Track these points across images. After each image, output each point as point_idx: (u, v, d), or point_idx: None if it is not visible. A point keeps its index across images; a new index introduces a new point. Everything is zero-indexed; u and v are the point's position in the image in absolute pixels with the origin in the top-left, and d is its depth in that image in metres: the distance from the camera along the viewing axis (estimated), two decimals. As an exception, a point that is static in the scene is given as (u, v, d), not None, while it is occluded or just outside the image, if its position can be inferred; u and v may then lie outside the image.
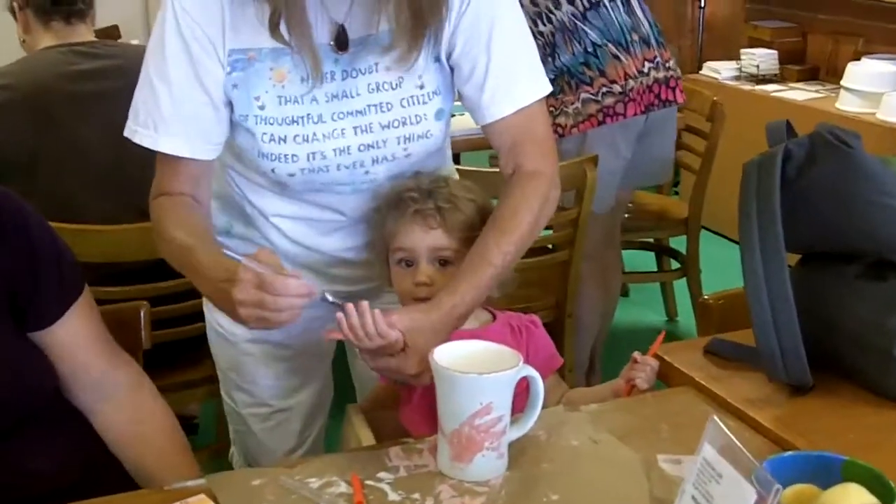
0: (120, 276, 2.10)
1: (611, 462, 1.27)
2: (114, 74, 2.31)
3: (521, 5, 1.55)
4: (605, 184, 2.68)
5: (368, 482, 1.22)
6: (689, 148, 3.53)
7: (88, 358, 1.41)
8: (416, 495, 1.20)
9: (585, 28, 2.73)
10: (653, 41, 2.82)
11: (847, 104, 4.14)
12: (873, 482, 1.03)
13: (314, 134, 1.43)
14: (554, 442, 1.32)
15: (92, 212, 2.19)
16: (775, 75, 4.71)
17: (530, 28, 1.56)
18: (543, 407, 1.28)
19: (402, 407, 1.48)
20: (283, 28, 1.36)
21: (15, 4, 2.43)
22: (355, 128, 1.45)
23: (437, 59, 1.47)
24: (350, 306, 1.30)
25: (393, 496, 1.19)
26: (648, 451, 1.28)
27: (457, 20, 1.44)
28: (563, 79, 2.77)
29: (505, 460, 1.25)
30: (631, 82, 2.75)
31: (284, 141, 1.43)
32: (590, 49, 2.74)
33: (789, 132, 1.45)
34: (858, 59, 4.25)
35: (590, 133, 2.76)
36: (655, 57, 2.80)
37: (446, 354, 1.24)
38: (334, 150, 1.44)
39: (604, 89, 2.74)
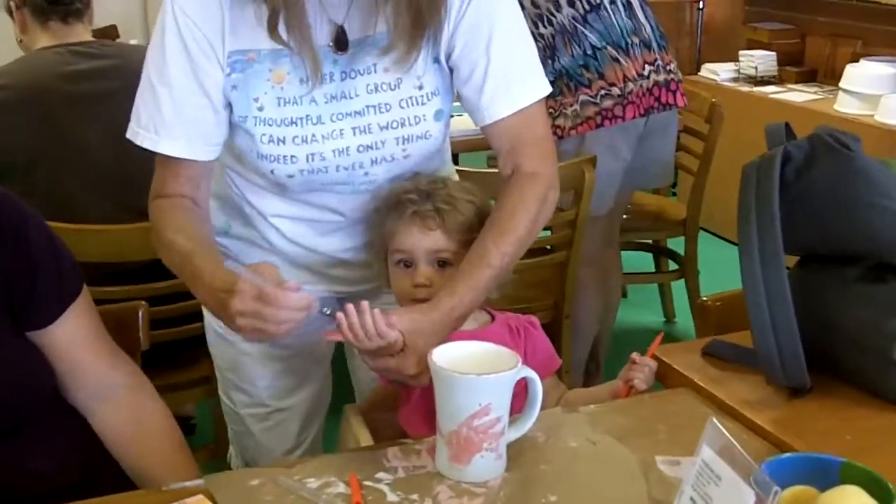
0: (119, 276, 2.09)
1: (609, 463, 1.27)
2: (112, 74, 2.30)
3: (522, 7, 1.55)
4: (603, 185, 2.68)
5: (367, 483, 1.22)
6: (687, 149, 3.52)
7: (87, 358, 1.40)
8: (415, 496, 1.19)
9: (585, 31, 2.73)
10: (654, 44, 2.81)
11: (845, 106, 4.14)
12: (871, 484, 1.03)
13: (313, 135, 1.43)
14: (552, 443, 1.32)
15: (91, 212, 2.19)
16: (774, 77, 4.71)
17: (530, 30, 1.56)
18: (542, 408, 1.27)
19: (400, 407, 1.48)
20: (282, 29, 1.36)
21: (12, 4, 2.42)
22: (354, 129, 1.45)
23: (437, 60, 1.47)
24: (350, 306, 1.29)
25: (391, 497, 1.19)
26: (647, 452, 1.28)
27: (456, 21, 1.44)
28: (563, 81, 2.77)
29: (503, 461, 1.25)
30: (630, 85, 2.74)
31: (283, 142, 1.43)
32: (589, 52, 2.73)
33: (788, 134, 1.45)
34: (857, 61, 4.25)
35: (588, 135, 2.76)
36: (656, 60, 2.80)
37: (445, 355, 1.24)
38: (333, 151, 1.44)
39: (602, 92, 2.74)
